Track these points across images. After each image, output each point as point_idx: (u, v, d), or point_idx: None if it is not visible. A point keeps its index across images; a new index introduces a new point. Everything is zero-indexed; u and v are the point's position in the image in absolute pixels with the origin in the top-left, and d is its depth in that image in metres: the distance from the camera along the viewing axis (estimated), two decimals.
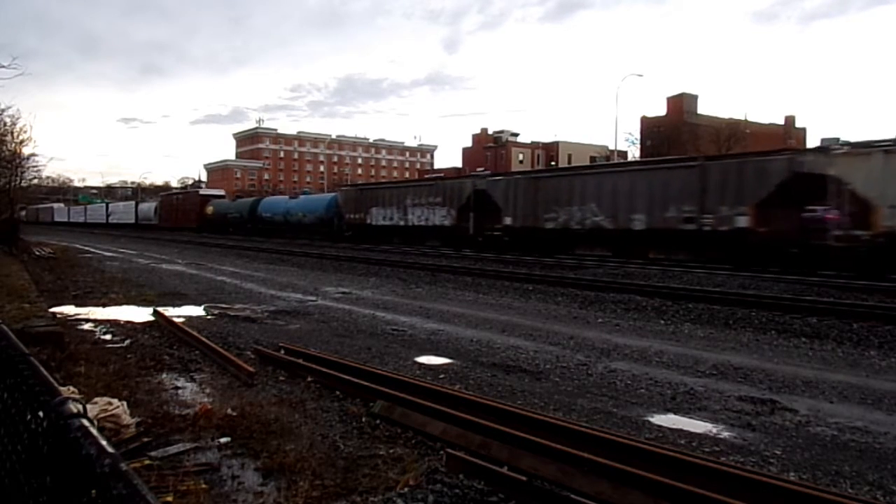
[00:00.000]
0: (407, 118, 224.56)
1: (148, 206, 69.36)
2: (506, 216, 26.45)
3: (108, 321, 10.11)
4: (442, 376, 6.81)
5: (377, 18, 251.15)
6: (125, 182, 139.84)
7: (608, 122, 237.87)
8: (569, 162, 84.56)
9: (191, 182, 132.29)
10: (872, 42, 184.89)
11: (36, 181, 43.37)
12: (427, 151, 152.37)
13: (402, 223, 32.76)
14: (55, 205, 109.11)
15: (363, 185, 50.00)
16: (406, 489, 3.90)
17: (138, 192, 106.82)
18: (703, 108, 79.46)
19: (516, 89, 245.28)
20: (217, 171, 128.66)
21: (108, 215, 79.60)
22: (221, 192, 66.76)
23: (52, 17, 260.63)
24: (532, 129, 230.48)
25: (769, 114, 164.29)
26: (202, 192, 63.66)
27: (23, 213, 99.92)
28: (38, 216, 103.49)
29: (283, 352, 7.55)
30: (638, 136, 78.69)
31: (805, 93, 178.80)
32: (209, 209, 54.07)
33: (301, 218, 41.80)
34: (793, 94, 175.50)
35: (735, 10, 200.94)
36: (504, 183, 27.43)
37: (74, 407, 1.25)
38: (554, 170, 44.90)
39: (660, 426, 5.25)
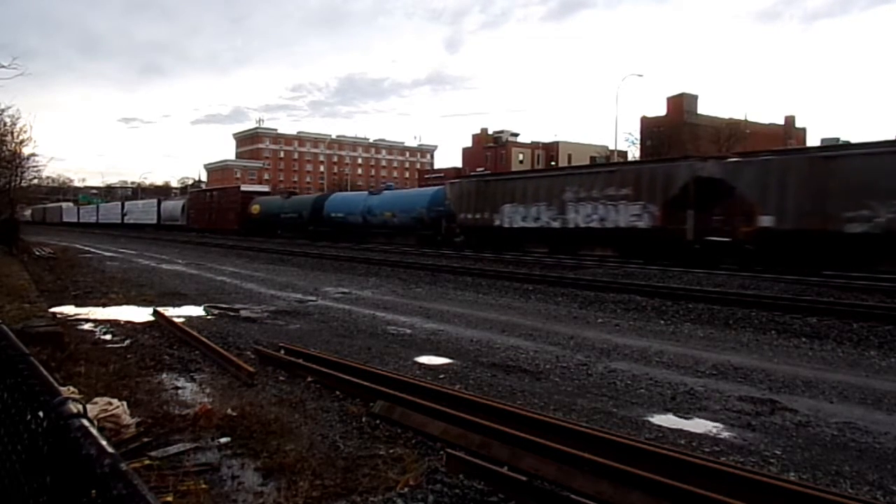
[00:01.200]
0: (408, 118, 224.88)
1: (173, 205, 62.12)
2: (763, 214, 17.86)
3: (108, 321, 10.11)
4: (442, 376, 6.81)
5: (378, 18, 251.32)
6: (125, 182, 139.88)
7: (608, 122, 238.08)
8: (568, 162, 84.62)
9: (191, 182, 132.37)
10: (875, 42, 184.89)
11: (36, 181, 43.32)
12: (427, 151, 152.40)
13: (555, 224, 24.08)
14: (64, 204, 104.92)
15: (489, 175, 38.25)
16: (406, 489, 3.90)
17: (139, 192, 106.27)
18: (703, 108, 79.53)
19: (517, 89, 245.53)
20: (217, 172, 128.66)
21: (123, 215, 73.30)
22: (265, 188, 60.67)
23: (53, 17, 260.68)
24: (533, 129, 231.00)
25: (769, 114, 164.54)
26: (244, 188, 54.63)
27: (28, 213, 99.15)
28: (46, 216, 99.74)
29: (283, 352, 7.55)
30: (638, 136, 78.72)
31: (806, 93, 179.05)
32: (255, 208, 46.10)
33: (388, 219, 33.88)
34: (793, 93, 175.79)
35: (738, 9, 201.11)
36: (759, 166, 18.29)
37: (74, 407, 1.25)
38: (856, 146, 19.88)
39: (660, 426, 5.25)
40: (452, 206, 29.14)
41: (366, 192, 41.28)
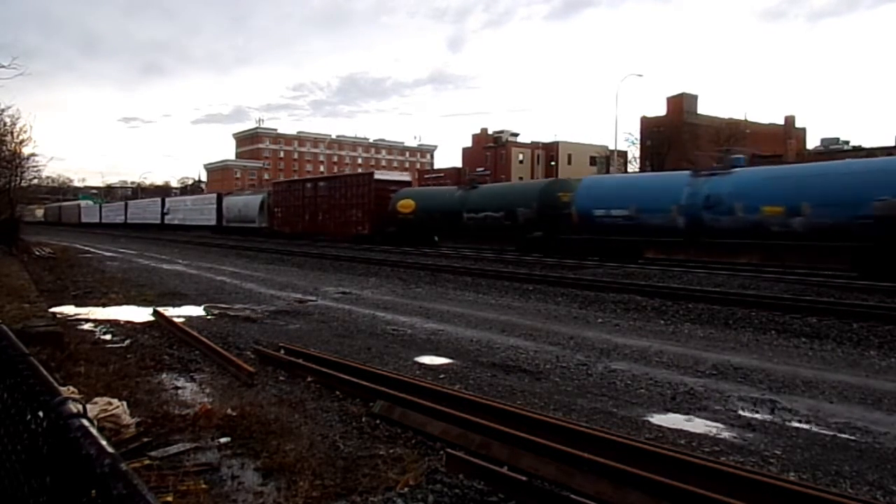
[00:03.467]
0: (409, 118, 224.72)
1: (245, 202, 47.63)
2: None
3: (108, 321, 10.11)
4: (442, 376, 6.81)
5: (381, 16, 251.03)
6: (125, 182, 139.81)
7: (608, 122, 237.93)
8: (568, 162, 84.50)
9: (191, 182, 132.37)
10: (879, 41, 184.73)
11: (36, 181, 43.28)
12: (427, 151, 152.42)
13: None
14: (82, 202, 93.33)
15: None
16: (406, 489, 3.90)
17: (138, 192, 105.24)
18: (703, 108, 79.49)
19: (519, 89, 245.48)
20: (217, 171, 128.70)
21: (164, 214, 60.76)
22: (407, 178, 41.74)
23: (54, 16, 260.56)
24: (534, 128, 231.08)
25: (769, 114, 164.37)
26: (380, 175, 37.72)
27: (39, 213, 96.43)
28: (62, 216, 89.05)
29: (283, 352, 7.55)
30: (638, 136, 78.70)
31: (806, 92, 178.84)
32: (404, 204, 31.70)
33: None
34: (794, 93, 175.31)
35: (742, 8, 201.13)
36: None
37: (74, 407, 1.25)
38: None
39: (660, 426, 5.25)
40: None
41: (657, 175, 29.81)
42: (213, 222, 50.67)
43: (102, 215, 78.33)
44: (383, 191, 33.77)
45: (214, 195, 55.52)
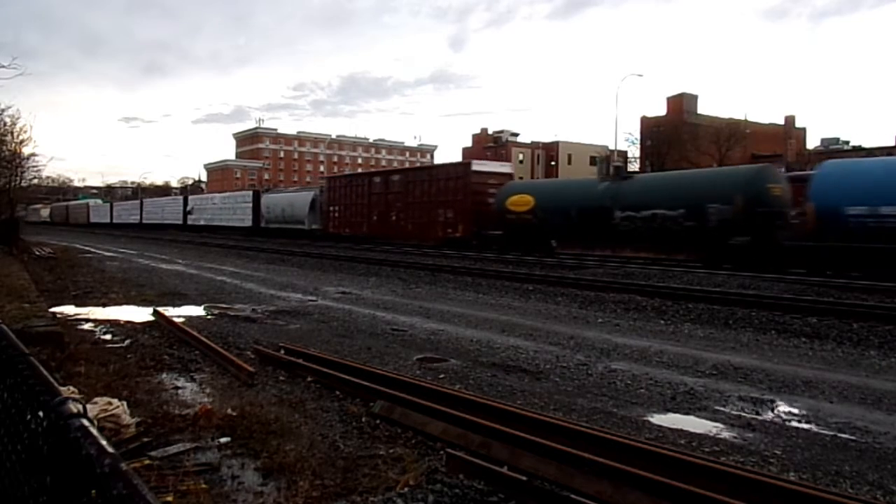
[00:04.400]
0: (410, 117, 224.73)
1: (290, 199, 40.56)
2: None
3: (108, 321, 10.11)
4: (442, 376, 6.81)
5: (383, 16, 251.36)
6: (125, 182, 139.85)
7: (608, 122, 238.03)
8: (568, 163, 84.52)
9: (191, 182, 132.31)
10: (880, 41, 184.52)
11: (36, 181, 43.30)
12: (427, 151, 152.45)
13: None
14: (91, 201, 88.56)
15: None
16: (406, 489, 3.90)
17: (139, 192, 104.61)
18: (703, 108, 79.47)
19: (520, 88, 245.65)
20: (217, 171, 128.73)
21: (187, 213, 54.88)
22: (509, 169, 31.75)
23: (54, 16, 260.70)
24: (535, 128, 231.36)
25: (769, 113, 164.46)
26: (479, 166, 29.88)
27: (45, 213, 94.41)
28: (69, 217, 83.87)
29: (283, 352, 7.55)
30: (638, 136, 78.71)
31: (807, 92, 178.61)
32: (517, 200, 24.70)
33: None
34: (794, 93, 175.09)
35: (744, 8, 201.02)
36: None
37: (74, 407, 1.25)
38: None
39: (660, 426, 5.25)
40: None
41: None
42: (249, 223, 43.64)
43: (114, 215, 72.61)
44: (482, 185, 27.19)
45: (250, 192, 47.26)
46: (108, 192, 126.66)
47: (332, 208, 36.60)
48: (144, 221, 63.54)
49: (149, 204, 66.82)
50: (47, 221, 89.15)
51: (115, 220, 71.26)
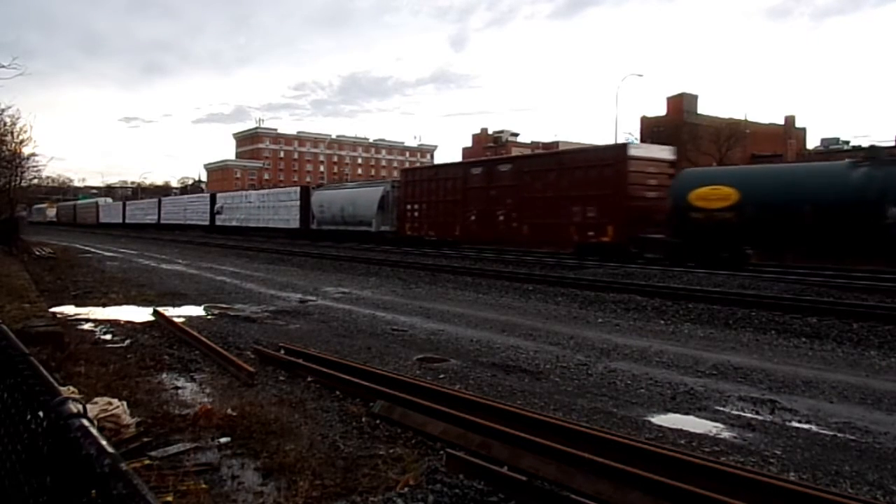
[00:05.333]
0: (411, 117, 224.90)
1: (352, 196, 34.50)
2: None
3: (108, 321, 10.11)
4: (442, 376, 6.81)
5: (384, 15, 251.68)
6: (125, 182, 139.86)
7: (609, 122, 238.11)
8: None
9: (191, 182, 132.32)
10: (882, 40, 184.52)
11: (36, 181, 43.28)
12: (427, 151, 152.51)
13: None
14: (101, 200, 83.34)
15: None
16: (406, 489, 3.90)
17: (138, 192, 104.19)
18: (703, 108, 79.45)
19: (520, 88, 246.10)
20: (217, 171, 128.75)
21: (215, 213, 48.85)
22: (672, 155, 22.47)
23: (55, 16, 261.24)
24: (535, 128, 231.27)
25: (769, 113, 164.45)
26: (637, 151, 22.01)
27: (51, 212, 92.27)
28: (77, 216, 79.92)
29: (283, 352, 7.55)
30: (638, 136, 78.70)
31: (807, 92, 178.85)
32: (710, 193, 18.06)
33: None
34: (795, 93, 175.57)
35: (746, 7, 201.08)
36: None
37: (74, 407, 1.25)
38: None
39: (660, 426, 5.25)
40: None
41: None
42: (296, 224, 38.12)
43: (128, 215, 66.51)
44: (641, 174, 20.47)
45: (297, 188, 41.60)
46: (109, 193, 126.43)
47: (409, 206, 29.72)
48: (163, 222, 57.27)
49: (168, 203, 60.65)
50: (53, 221, 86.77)
51: (128, 221, 65.81)
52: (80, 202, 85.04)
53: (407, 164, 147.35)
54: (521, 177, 24.40)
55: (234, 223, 45.86)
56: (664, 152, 22.46)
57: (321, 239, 34.77)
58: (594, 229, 21.29)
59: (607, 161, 21.44)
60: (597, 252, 21.15)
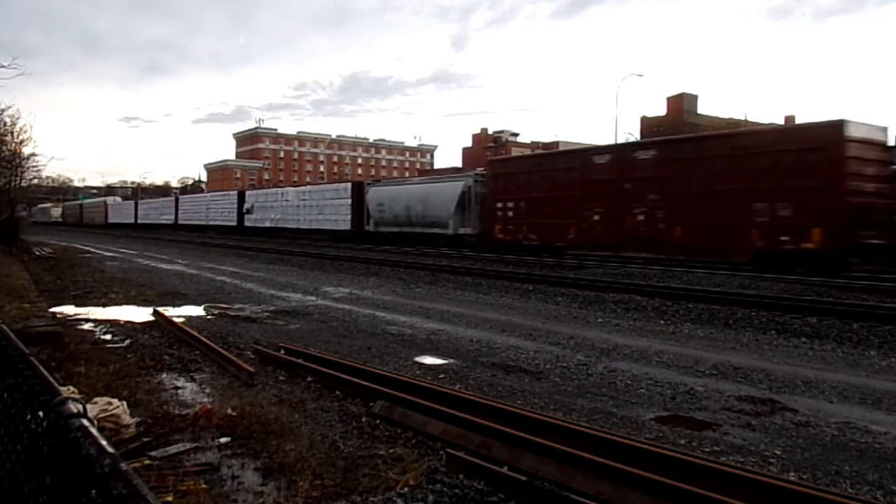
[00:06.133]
0: (411, 117, 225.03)
1: (421, 192, 29.44)
2: None
3: (108, 321, 10.11)
4: (442, 376, 6.81)
5: (385, 15, 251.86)
6: (125, 182, 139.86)
7: (609, 122, 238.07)
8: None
9: (191, 182, 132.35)
10: (883, 39, 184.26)
11: (36, 181, 43.25)
12: (427, 151, 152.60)
13: None
14: (110, 199, 78.50)
15: None
16: (406, 489, 3.90)
17: (138, 192, 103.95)
18: (704, 108, 79.47)
19: (521, 88, 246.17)
20: (217, 171, 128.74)
21: (244, 213, 44.27)
22: (884, 137, 16.77)
23: (55, 15, 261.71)
24: (535, 128, 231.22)
25: (770, 113, 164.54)
26: (857, 129, 15.81)
27: (56, 212, 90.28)
28: (83, 216, 76.00)
29: (283, 352, 7.55)
30: (638, 136, 78.71)
31: (808, 91, 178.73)
32: None
33: None
34: (796, 92, 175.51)
35: (747, 7, 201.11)
36: None
37: (74, 407, 1.25)
38: None
39: (660, 426, 5.25)
40: None
41: None
42: (346, 226, 33.88)
43: (140, 215, 62.12)
44: (860, 161, 15.99)
45: (347, 184, 36.14)
46: (109, 192, 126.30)
47: (501, 205, 24.74)
48: (182, 223, 52.63)
49: (188, 202, 55.34)
50: (58, 221, 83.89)
51: (140, 221, 61.44)
52: (87, 201, 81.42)
53: (407, 164, 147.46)
54: (670, 165, 19.31)
55: (267, 224, 41.33)
56: (880, 133, 17.08)
57: (380, 243, 30.73)
58: (790, 233, 16.45)
59: (813, 143, 16.38)
60: (791, 262, 16.49)
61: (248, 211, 44.02)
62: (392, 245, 29.47)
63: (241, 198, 45.96)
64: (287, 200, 40.24)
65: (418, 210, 29.03)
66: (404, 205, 30.03)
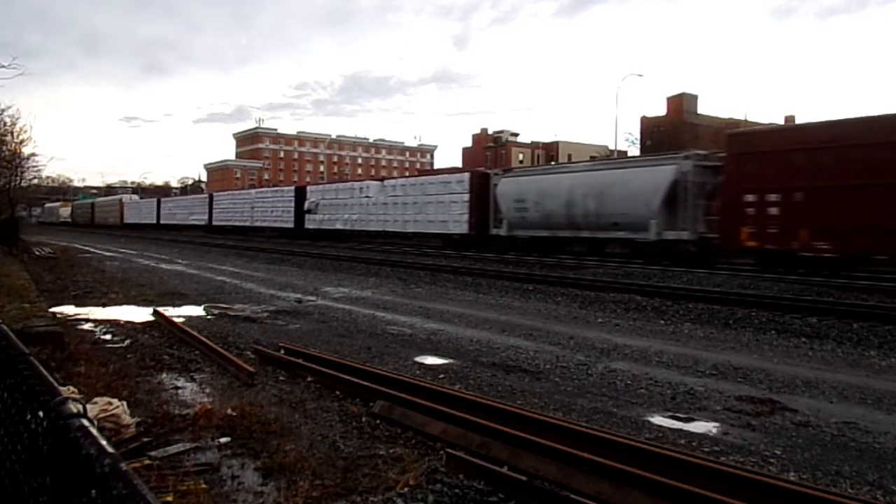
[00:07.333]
0: (412, 117, 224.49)
1: (593, 183, 21.67)
2: None
3: (108, 321, 10.11)
4: (442, 376, 6.81)
5: (386, 14, 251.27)
6: (125, 182, 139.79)
7: (609, 122, 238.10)
8: (568, 162, 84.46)
9: (191, 182, 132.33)
10: (886, 38, 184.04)
11: (36, 181, 43.25)
12: (427, 151, 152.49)
13: None
14: (126, 197, 71.14)
15: None
16: (406, 489, 3.90)
17: (139, 192, 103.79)
18: (704, 108, 79.46)
19: (522, 88, 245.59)
20: (217, 171, 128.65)
21: (299, 213, 37.81)
22: None
23: (56, 15, 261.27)
24: (536, 128, 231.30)
25: (770, 113, 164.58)
26: None
27: (65, 212, 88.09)
28: (95, 217, 70.57)
29: (283, 352, 7.55)
30: (638, 136, 78.70)
31: (808, 91, 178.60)
32: None
33: None
34: (796, 92, 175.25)
35: (749, 6, 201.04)
36: None
37: (74, 407, 1.25)
38: None
39: (660, 426, 5.25)
40: None
41: None
42: (462, 229, 26.99)
43: (163, 214, 55.33)
44: None
45: (464, 175, 28.34)
46: (108, 193, 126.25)
47: (751, 198, 17.02)
48: (216, 223, 45.52)
49: (225, 199, 47.53)
50: (67, 222, 79.20)
51: (163, 221, 54.32)
52: (99, 200, 75.58)
53: (407, 164, 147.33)
54: None
55: (338, 226, 34.32)
56: None
57: (517, 250, 24.00)
58: None
59: None
60: None
61: (311, 210, 36.75)
62: (537, 254, 22.79)
63: (300, 194, 38.35)
64: (368, 197, 32.42)
65: (592, 207, 21.53)
66: (564, 199, 22.53)
